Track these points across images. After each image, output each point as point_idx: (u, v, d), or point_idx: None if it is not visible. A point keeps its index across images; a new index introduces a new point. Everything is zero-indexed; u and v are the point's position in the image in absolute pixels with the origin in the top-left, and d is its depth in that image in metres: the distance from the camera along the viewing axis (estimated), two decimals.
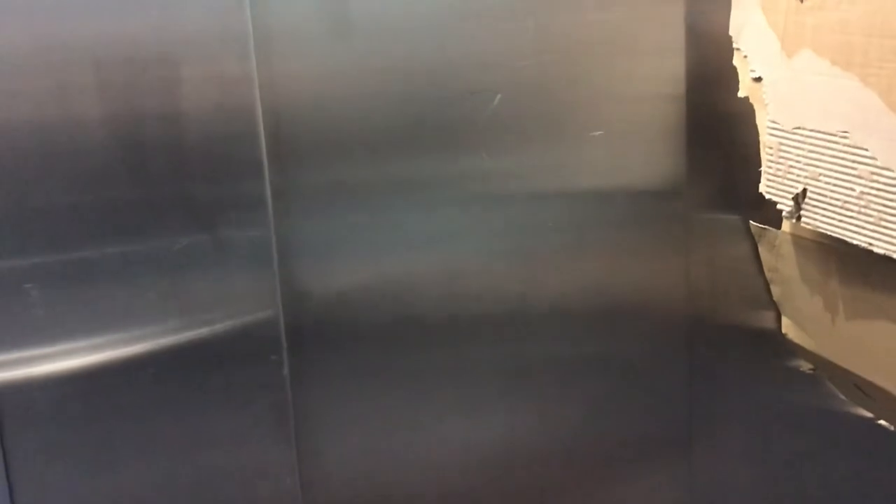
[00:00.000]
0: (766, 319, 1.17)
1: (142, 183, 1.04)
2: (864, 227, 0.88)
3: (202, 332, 1.09)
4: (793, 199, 0.97)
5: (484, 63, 1.09)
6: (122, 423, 1.08)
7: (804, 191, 0.95)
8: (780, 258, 1.08)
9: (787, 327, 1.13)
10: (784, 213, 0.99)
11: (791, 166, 0.96)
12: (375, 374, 1.15)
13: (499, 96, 1.09)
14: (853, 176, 0.88)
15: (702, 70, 1.10)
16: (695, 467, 1.23)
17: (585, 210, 1.14)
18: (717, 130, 1.12)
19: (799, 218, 0.97)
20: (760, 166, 1.03)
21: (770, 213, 1.04)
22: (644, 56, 1.10)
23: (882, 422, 1.12)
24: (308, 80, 1.06)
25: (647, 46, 1.10)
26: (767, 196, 1.01)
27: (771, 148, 0.99)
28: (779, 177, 0.98)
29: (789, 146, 0.96)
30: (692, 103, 1.11)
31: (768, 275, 1.12)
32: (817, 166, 0.93)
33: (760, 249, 1.12)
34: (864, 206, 0.87)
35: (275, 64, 1.04)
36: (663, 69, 1.11)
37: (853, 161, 0.88)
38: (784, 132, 0.97)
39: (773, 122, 0.98)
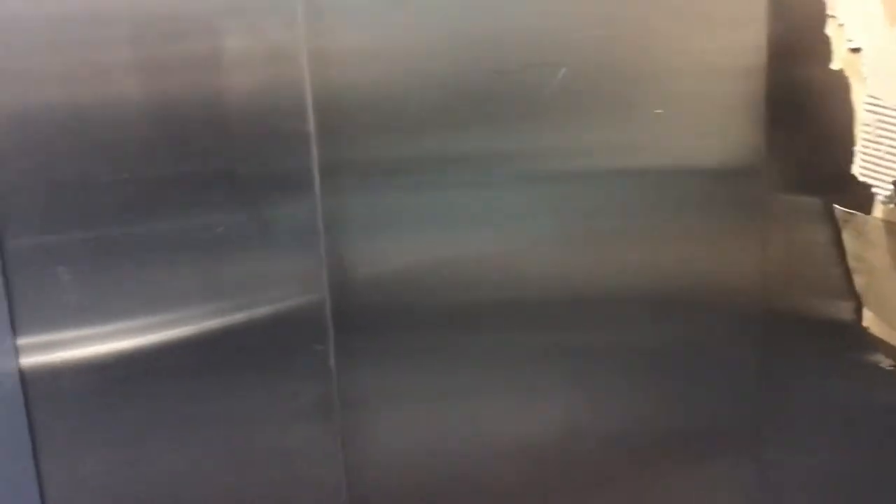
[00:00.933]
0: (844, 311, 1.09)
1: (182, 159, 0.97)
2: None
3: (244, 317, 1.02)
4: (893, 183, 0.89)
5: (547, 34, 1.00)
6: (155, 411, 1.02)
7: None
8: (867, 246, 1.00)
9: (870, 320, 1.05)
10: (880, 199, 0.91)
11: (892, 146, 0.89)
12: (424, 363, 1.09)
13: (563, 70, 1.01)
14: None
15: (786, 40, 1.01)
16: (763, 464, 1.16)
17: (653, 191, 1.06)
18: (800, 106, 1.03)
19: None
20: (848, 145, 0.95)
21: (858, 197, 0.97)
22: (721, 25, 1.02)
23: None
24: (359, 50, 0.99)
25: (725, 14, 1.01)
26: (862, 178, 0.93)
27: (868, 126, 0.91)
28: (876, 158, 0.90)
29: (891, 124, 0.88)
30: (773, 76, 1.02)
31: (852, 264, 1.04)
32: None
33: (845, 236, 1.04)
34: None
35: (325, 32, 0.97)
36: (742, 39, 1.02)
37: None
38: (885, 109, 0.89)
39: (873, 97, 0.90)
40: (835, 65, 0.96)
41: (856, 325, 1.08)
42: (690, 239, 1.08)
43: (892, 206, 0.89)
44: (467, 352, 1.09)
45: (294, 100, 0.97)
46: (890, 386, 1.10)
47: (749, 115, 1.04)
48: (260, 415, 1.04)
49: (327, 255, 1.02)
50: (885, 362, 1.08)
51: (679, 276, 1.09)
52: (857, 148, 0.94)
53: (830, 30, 0.96)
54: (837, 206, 1.03)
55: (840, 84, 0.96)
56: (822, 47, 0.97)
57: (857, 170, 0.93)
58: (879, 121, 0.89)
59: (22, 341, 0.96)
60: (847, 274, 1.06)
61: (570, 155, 1.04)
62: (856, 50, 0.92)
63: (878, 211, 0.97)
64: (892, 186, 0.89)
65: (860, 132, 0.93)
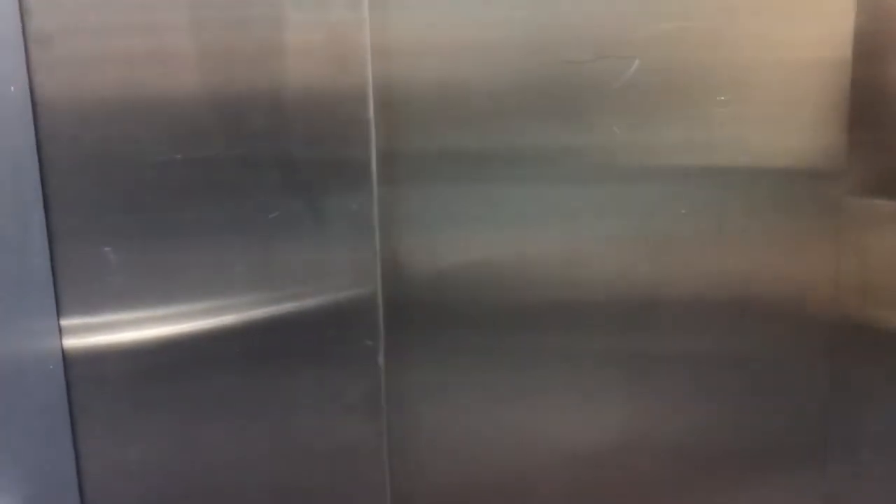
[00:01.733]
0: None
1: (236, 141, 0.93)
2: None
3: (293, 307, 0.99)
4: None
5: (621, 25, 0.96)
6: (198, 400, 0.98)
7: None
8: None
9: None
10: None
11: None
12: (476, 363, 1.04)
13: (637, 62, 0.97)
14: None
15: (873, 33, 0.96)
16: (828, 482, 1.10)
17: (726, 191, 1.01)
18: (885, 103, 0.98)
19: None
20: None
21: None
22: (804, 16, 0.97)
23: None
24: (425, 37, 0.95)
25: (809, 5, 0.97)
26: None
27: None
28: None
29: None
30: (858, 71, 0.98)
31: None
32: None
33: None
34: None
35: (390, 17, 0.93)
36: (826, 32, 0.97)
37: None
38: None
39: None
40: None
41: None
42: (762, 242, 1.02)
43: None
44: (522, 353, 1.05)
45: (355, 85, 0.94)
46: None
47: (831, 112, 0.99)
48: (305, 408, 1.00)
49: (381, 247, 0.99)
50: None
51: (749, 281, 1.03)
52: None
53: None
54: None
55: None
56: None
57: None
58: None
59: (66, 322, 0.93)
60: None
61: (640, 151, 0.99)
62: None
63: None
64: None
65: None
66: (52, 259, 0.91)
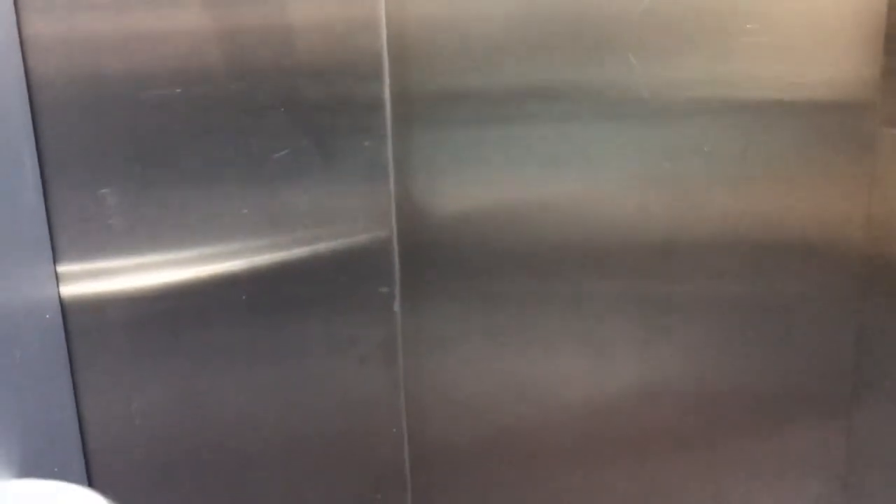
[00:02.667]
0: None
1: (241, 76, 0.88)
2: None
3: (303, 252, 0.93)
4: None
5: None
6: (204, 348, 0.93)
7: None
8: None
9: None
10: None
11: None
12: (493, 310, 1.00)
13: None
14: None
15: None
16: (854, 430, 1.07)
17: (751, 127, 0.97)
18: None
19: None
20: None
21: None
22: None
23: None
24: None
25: None
26: None
27: None
28: None
29: None
30: None
31: None
32: None
33: None
34: None
35: None
36: None
37: None
38: None
39: None
40: None
41: None
42: (791, 179, 0.98)
43: None
44: (539, 299, 1.00)
45: (365, 12, 0.88)
46: None
47: (864, 40, 0.95)
48: (317, 358, 0.95)
49: (396, 190, 0.94)
50: None
51: (775, 221, 1.00)
52: None
53: None
54: None
55: None
56: None
57: None
58: None
59: (63, 269, 0.87)
60: None
61: (662, 85, 0.95)
62: None
63: None
64: None
65: None
66: (46, 204, 0.86)
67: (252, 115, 0.89)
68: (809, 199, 0.99)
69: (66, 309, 0.87)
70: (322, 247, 0.93)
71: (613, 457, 1.06)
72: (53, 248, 0.86)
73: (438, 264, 0.97)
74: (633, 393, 1.04)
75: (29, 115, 0.83)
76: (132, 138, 0.87)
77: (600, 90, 0.94)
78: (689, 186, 0.98)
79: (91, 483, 0.89)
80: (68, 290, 0.87)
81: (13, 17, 0.81)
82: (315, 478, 0.98)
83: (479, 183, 0.96)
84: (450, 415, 1.01)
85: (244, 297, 0.92)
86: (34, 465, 0.71)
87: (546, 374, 1.02)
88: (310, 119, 0.90)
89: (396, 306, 0.95)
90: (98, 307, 0.88)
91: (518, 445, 1.05)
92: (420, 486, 1.02)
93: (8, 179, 0.81)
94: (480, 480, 1.06)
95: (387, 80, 0.90)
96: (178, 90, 0.87)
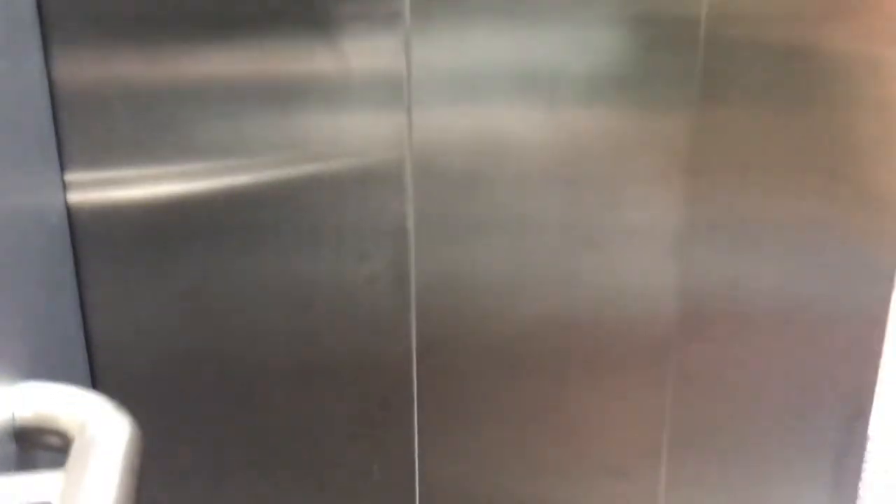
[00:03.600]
0: None
1: None
2: None
3: (314, 169, 0.92)
4: None
5: None
6: (213, 260, 0.92)
7: None
8: None
9: None
10: None
11: None
12: (507, 229, 0.98)
13: None
14: None
15: None
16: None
17: None
18: None
19: None
20: None
21: None
22: None
23: None
24: None
25: None
26: None
27: None
28: None
29: None
30: None
31: None
32: None
33: None
34: None
35: None
36: None
37: None
38: None
39: None
40: None
41: None
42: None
43: None
44: (543, 211, 0.98)
45: None
46: None
47: None
48: (326, 274, 0.94)
49: (411, 108, 0.91)
50: None
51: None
52: None
53: None
54: None
55: None
56: None
57: None
58: None
59: (70, 177, 0.85)
60: None
61: None
62: None
63: None
64: None
65: None
66: (54, 109, 0.84)
67: (262, 22, 0.86)
68: None
69: (73, 216, 0.86)
70: (334, 164, 0.91)
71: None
72: (61, 156, 0.84)
73: (452, 185, 0.95)
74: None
75: (35, 12, 0.80)
76: (145, 42, 0.84)
77: None
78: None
79: (95, 388, 0.89)
80: (75, 197, 0.86)
81: None
82: (322, 395, 0.98)
83: (491, 104, 0.94)
84: (461, 335, 1.00)
85: (255, 210, 0.91)
86: (39, 369, 0.71)
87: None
88: (323, 26, 0.87)
89: (410, 223, 0.94)
90: (105, 215, 0.87)
91: (528, 363, 1.04)
92: (428, 404, 1.01)
93: (14, 84, 0.79)
94: (490, 399, 1.05)
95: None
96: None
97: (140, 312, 0.90)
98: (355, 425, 1.01)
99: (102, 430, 0.58)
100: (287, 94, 0.88)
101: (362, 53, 0.88)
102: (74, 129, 0.85)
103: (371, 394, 0.99)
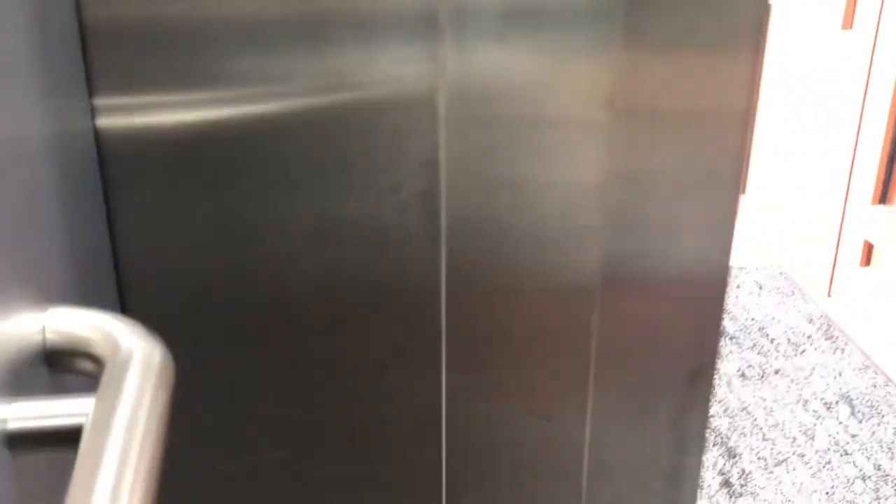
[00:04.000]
0: None
1: None
2: None
3: (344, 97, 0.90)
4: None
5: None
6: (241, 187, 0.91)
7: None
8: None
9: None
10: None
11: None
12: None
13: None
14: None
15: None
16: None
17: None
18: None
19: None
20: None
21: None
22: None
23: None
24: None
25: None
26: None
27: None
28: None
29: None
30: None
31: None
32: None
33: None
34: None
35: None
36: None
37: None
38: None
39: None
40: None
41: None
42: None
43: None
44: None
45: None
46: None
47: None
48: (357, 203, 0.93)
49: (445, 36, 0.89)
50: None
51: None
52: None
53: None
54: None
55: None
56: None
57: None
58: None
59: (98, 102, 0.84)
60: None
61: None
62: None
63: None
64: None
65: None
66: (81, 32, 0.82)
67: None
68: None
69: (102, 141, 0.85)
70: (368, 92, 0.89)
71: None
72: (89, 80, 0.83)
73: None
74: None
75: None
76: None
77: None
78: None
79: (125, 313, 0.89)
80: (104, 122, 0.85)
81: None
82: (350, 325, 0.98)
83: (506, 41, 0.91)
84: (490, 268, 0.99)
85: (283, 140, 0.89)
86: (70, 295, 0.70)
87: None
88: None
89: (441, 155, 0.92)
90: (134, 141, 0.86)
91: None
92: (456, 336, 1.00)
93: (42, 5, 0.78)
94: (512, 324, 1.05)
95: None
96: None
97: (169, 240, 0.90)
98: (383, 356, 1.00)
99: (135, 355, 0.57)
100: (319, 21, 0.86)
101: None
102: (102, 54, 0.83)
103: (399, 325, 0.98)
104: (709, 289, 1.01)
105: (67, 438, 0.51)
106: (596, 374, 1.04)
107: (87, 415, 0.52)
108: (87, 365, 0.59)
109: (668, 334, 1.03)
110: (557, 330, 1.03)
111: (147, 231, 0.89)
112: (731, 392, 2.86)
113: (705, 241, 0.99)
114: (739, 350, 3.09)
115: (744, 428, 2.69)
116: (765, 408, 2.78)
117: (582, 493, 1.10)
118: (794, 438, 2.65)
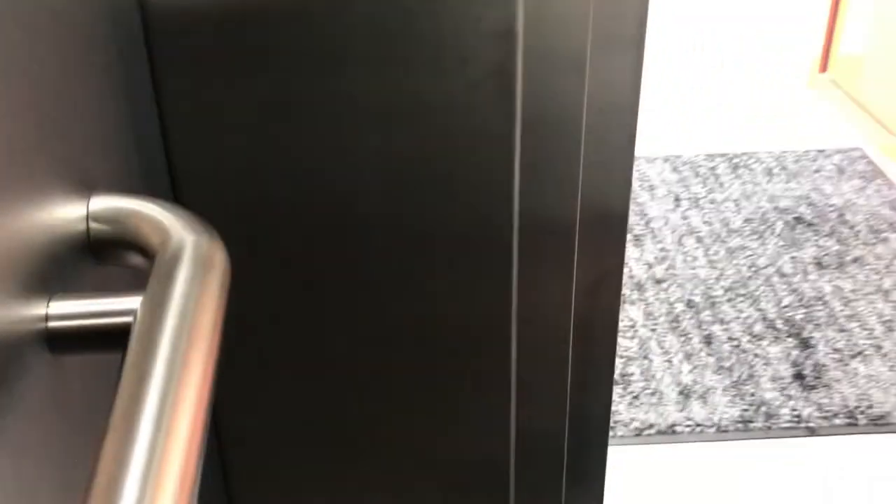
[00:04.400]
0: None
1: None
2: None
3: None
4: None
5: None
6: (299, 68, 0.83)
7: None
8: None
9: None
10: None
11: None
12: None
13: None
14: None
15: None
16: None
17: None
18: None
19: None
20: None
21: None
22: None
23: None
24: None
25: None
26: None
27: None
28: None
29: None
30: None
31: None
32: None
33: None
34: None
35: None
36: None
37: None
38: None
39: None
40: None
41: None
42: None
43: None
44: None
45: None
46: None
47: None
48: (424, 81, 0.85)
49: None
50: None
51: None
52: None
53: None
54: None
55: None
56: None
57: None
58: None
59: None
60: None
61: None
62: None
63: None
64: None
65: None
66: None
67: None
68: None
69: (149, 17, 0.78)
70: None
71: None
72: None
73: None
74: None
75: None
76: None
77: None
78: None
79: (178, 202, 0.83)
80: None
81: None
82: (416, 215, 0.91)
83: None
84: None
85: (344, 6, 0.81)
86: (118, 183, 0.65)
87: None
88: None
89: (518, 25, 0.83)
90: (183, 19, 0.79)
91: None
92: (527, 250, 0.93)
93: None
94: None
95: None
96: None
97: (224, 123, 0.83)
98: (454, 248, 0.94)
99: (188, 247, 0.51)
100: None
101: None
102: None
103: (469, 215, 0.92)
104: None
105: (113, 339, 0.46)
106: None
107: (135, 313, 0.47)
108: (135, 258, 0.54)
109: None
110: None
111: (196, 115, 0.82)
112: (806, 281, 2.76)
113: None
114: (816, 237, 2.97)
115: (819, 319, 2.60)
116: (842, 298, 2.69)
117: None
118: (872, 330, 2.56)
